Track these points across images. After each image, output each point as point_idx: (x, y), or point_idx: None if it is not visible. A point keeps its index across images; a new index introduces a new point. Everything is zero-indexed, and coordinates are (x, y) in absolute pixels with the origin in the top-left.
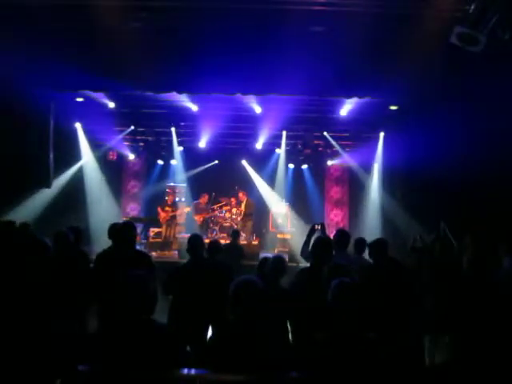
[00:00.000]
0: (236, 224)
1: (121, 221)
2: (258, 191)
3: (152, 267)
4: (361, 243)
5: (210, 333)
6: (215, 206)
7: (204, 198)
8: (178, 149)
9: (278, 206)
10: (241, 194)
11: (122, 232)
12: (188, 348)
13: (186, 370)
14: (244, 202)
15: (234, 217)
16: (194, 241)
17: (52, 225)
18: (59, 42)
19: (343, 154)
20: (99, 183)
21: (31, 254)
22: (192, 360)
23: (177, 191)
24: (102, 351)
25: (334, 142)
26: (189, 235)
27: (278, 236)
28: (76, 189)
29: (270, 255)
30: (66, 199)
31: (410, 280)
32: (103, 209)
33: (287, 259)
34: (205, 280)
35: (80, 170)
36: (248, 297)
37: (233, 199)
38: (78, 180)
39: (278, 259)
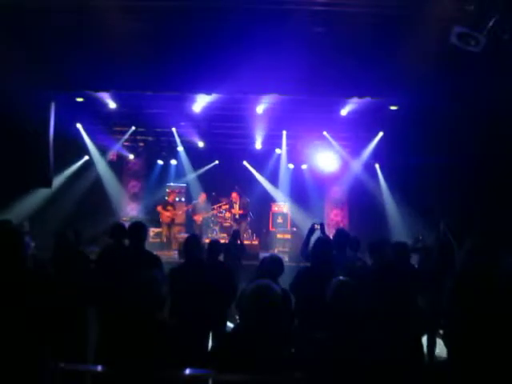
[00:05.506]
0: (231, 225)
1: (121, 221)
2: (259, 190)
3: (162, 268)
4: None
5: (210, 333)
6: (215, 206)
7: (202, 197)
8: (180, 148)
9: (279, 204)
10: (234, 195)
11: (134, 231)
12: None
13: (188, 370)
14: (237, 203)
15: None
16: (189, 242)
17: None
18: (59, 43)
19: (343, 154)
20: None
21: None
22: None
23: (177, 191)
24: (112, 350)
25: (334, 142)
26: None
27: (278, 236)
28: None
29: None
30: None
31: (410, 280)
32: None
33: (287, 259)
34: (203, 281)
35: (83, 169)
36: (266, 303)
37: (226, 200)
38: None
39: (275, 258)
